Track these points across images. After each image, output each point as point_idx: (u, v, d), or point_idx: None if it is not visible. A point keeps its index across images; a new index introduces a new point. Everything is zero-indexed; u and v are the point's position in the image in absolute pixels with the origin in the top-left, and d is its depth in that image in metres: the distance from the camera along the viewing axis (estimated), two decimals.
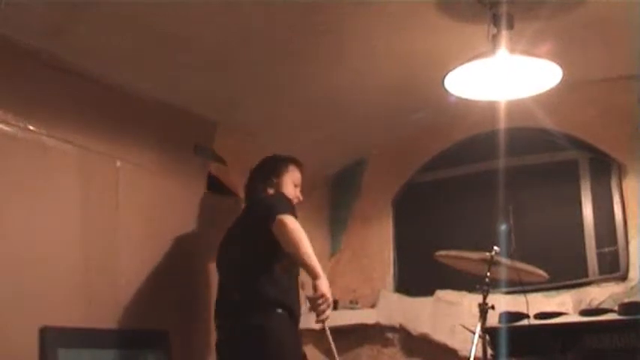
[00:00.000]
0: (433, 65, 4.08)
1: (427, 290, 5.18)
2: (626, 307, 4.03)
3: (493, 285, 4.04)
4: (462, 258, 4.17)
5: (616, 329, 3.94)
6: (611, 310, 4.16)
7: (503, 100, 4.22)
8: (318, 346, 5.03)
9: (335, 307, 4.45)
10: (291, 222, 3.66)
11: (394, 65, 4.31)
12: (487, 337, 4.01)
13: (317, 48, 4.04)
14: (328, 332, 3.72)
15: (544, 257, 4.56)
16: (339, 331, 4.62)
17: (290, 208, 3.79)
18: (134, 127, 4.13)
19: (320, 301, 3.57)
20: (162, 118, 4.31)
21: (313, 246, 3.70)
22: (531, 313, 4.27)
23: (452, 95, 4.00)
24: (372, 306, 5.32)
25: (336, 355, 3.75)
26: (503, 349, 4.02)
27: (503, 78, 3.77)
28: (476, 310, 3.99)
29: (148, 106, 4.19)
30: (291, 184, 4.17)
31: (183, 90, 4.22)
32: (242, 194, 4.79)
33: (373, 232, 5.42)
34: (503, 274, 4.14)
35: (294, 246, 3.62)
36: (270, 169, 4.20)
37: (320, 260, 3.71)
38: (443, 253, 4.22)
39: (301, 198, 4.20)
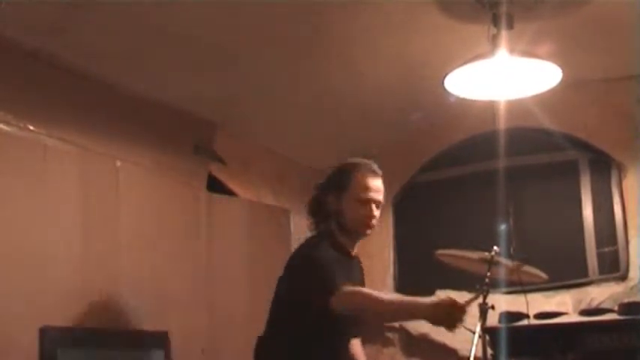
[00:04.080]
0: (433, 65, 4.09)
1: (427, 290, 5.17)
2: (626, 307, 4.04)
3: (493, 285, 4.04)
4: (461, 257, 4.17)
5: (616, 329, 3.95)
6: (611, 310, 4.17)
7: (503, 100, 4.23)
8: None
9: None
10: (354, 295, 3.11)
11: (394, 65, 4.32)
12: (487, 337, 4.01)
13: (317, 48, 4.04)
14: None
15: (544, 257, 4.57)
16: None
17: (334, 280, 3.08)
18: (134, 127, 4.13)
19: None
20: (163, 118, 4.31)
21: None
22: (531, 313, 4.27)
23: (452, 95, 4.00)
24: None
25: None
26: (503, 349, 4.02)
27: (503, 78, 3.78)
28: (476, 310, 3.98)
29: (148, 106, 4.20)
30: (353, 207, 3.35)
31: (183, 90, 4.22)
32: (242, 194, 4.79)
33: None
34: (503, 273, 4.14)
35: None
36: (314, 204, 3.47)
37: None
38: (443, 252, 4.22)
39: (376, 216, 3.37)
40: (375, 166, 3.40)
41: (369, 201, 3.33)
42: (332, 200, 3.37)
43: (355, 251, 3.47)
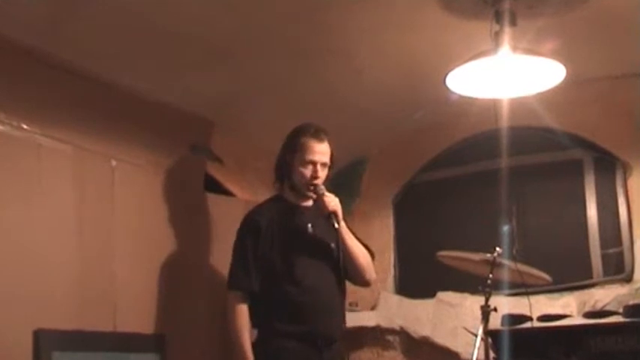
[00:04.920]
0: (435, 63, 4.09)
1: (428, 292, 5.18)
2: (631, 310, 4.04)
3: (495, 286, 4.05)
4: (463, 259, 4.18)
5: (621, 332, 3.94)
6: (615, 313, 4.16)
7: (505, 98, 4.23)
8: None
9: None
10: (230, 310, 3.77)
11: (395, 63, 4.32)
12: (489, 339, 4.01)
13: (317, 45, 4.05)
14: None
15: (547, 258, 4.57)
16: None
17: (237, 279, 3.80)
18: (130, 126, 4.13)
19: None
20: (159, 117, 4.31)
21: None
22: (534, 316, 4.27)
23: (454, 93, 4.01)
24: (372, 308, 5.32)
25: None
26: (505, 352, 4.02)
27: (506, 76, 3.78)
28: (478, 312, 3.99)
29: (144, 105, 4.20)
30: (300, 168, 3.83)
31: (180, 88, 4.22)
32: (240, 194, 4.80)
33: (373, 232, 5.42)
34: (505, 275, 4.15)
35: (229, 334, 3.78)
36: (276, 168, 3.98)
37: None
38: (444, 253, 4.23)
39: (320, 176, 3.82)
40: (321, 131, 3.83)
41: (314, 163, 3.78)
42: (284, 162, 3.87)
43: (310, 203, 3.88)
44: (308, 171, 3.80)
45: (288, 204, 3.91)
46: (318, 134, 3.82)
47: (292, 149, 3.84)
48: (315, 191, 3.79)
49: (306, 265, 3.78)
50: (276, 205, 3.91)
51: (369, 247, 4.02)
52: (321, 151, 3.82)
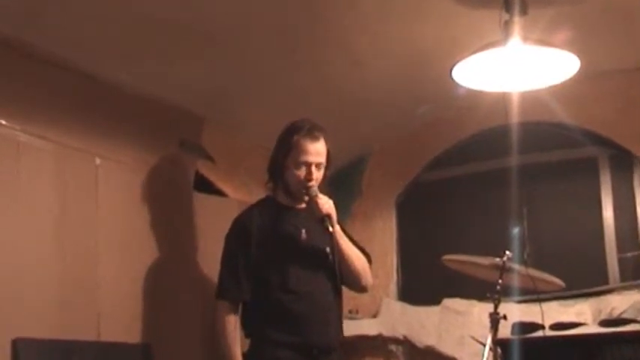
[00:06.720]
0: (440, 54, 4.09)
1: (433, 298, 5.18)
2: None
3: (505, 293, 4.04)
4: (471, 263, 4.17)
5: (638, 341, 3.95)
6: (633, 321, 4.17)
7: (516, 92, 4.23)
8: None
9: None
10: (219, 320, 3.79)
11: (398, 55, 4.32)
12: (499, 349, 4.00)
13: (315, 36, 4.05)
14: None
15: (561, 263, 4.58)
16: None
17: (225, 288, 3.81)
18: (115, 121, 4.12)
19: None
20: (146, 112, 4.30)
21: None
22: (547, 324, 4.27)
23: (461, 87, 4.01)
24: (374, 316, 5.33)
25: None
26: None
27: (516, 68, 3.79)
28: (486, 320, 3.99)
29: (130, 99, 4.19)
30: (293, 169, 3.78)
31: (168, 81, 4.22)
32: (232, 194, 4.79)
33: (375, 235, 5.43)
34: (516, 281, 4.14)
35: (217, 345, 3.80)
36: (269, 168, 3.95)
37: None
38: (451, 257, 4.23)
39: (315, 178, 3.77)
40: (315, 129, 3.77)
41: (308, 164, 3.75)
42: (277, 162, 3.83)
43: (304, 205, 3.85)
44: (302, 172, 3.76)
45: (280, 206, 3.88)
46: (312, 132, 3.77)
47: (285, 149, 3.79)
48: (308, 193, 3.76)
49: (299, 272, 3.76)
50: (268, 208, 3.89)
51: (365, 250, 4.01)
52: (315, 151, 3.77)
